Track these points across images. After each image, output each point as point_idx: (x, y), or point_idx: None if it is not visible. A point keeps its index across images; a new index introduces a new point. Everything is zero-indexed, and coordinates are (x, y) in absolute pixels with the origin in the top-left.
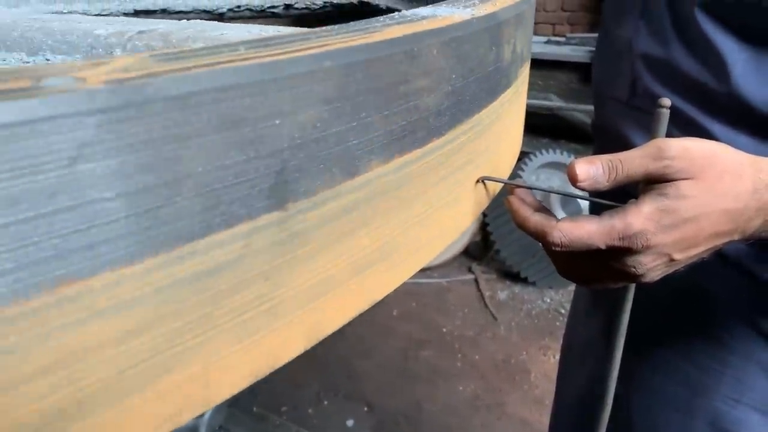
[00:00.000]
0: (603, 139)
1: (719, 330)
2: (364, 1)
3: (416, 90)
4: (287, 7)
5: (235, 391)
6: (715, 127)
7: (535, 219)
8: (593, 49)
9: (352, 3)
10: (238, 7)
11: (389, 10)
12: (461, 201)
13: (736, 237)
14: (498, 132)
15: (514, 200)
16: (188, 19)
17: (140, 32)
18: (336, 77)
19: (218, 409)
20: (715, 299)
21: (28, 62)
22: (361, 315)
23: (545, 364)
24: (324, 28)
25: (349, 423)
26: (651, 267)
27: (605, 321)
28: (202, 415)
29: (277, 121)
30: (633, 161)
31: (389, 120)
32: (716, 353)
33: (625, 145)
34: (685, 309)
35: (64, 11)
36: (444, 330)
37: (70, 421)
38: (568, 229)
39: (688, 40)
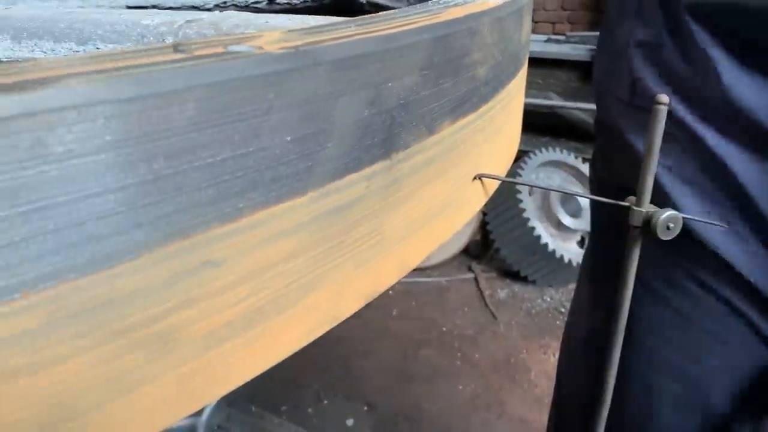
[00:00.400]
0: (604, 136)
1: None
2: None
3: (474, 62)
4: (270, 2)
5: (353, 311)
6: (708, 134)
7: None
8: (593, 47)
9: None
10: (224, 2)
11: (371, 5)
12: (493, 165)
13: None
14: (516, 108)
15: None
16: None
17: (188, 21)
18: (427, 49)
19: (217, 408)
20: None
21: (78, 51)
22: (360, 315)
23: (545, 363)
24: (390, 11)
25: (349, 422)
26: None
27: (607, 315)
28: (200, 415)
29: (390, 84)
30: None
31: (456, 87)
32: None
33: (625, 144)
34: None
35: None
36: (444, 329)
37: (250, 326)
38: None
39: (679, 43)
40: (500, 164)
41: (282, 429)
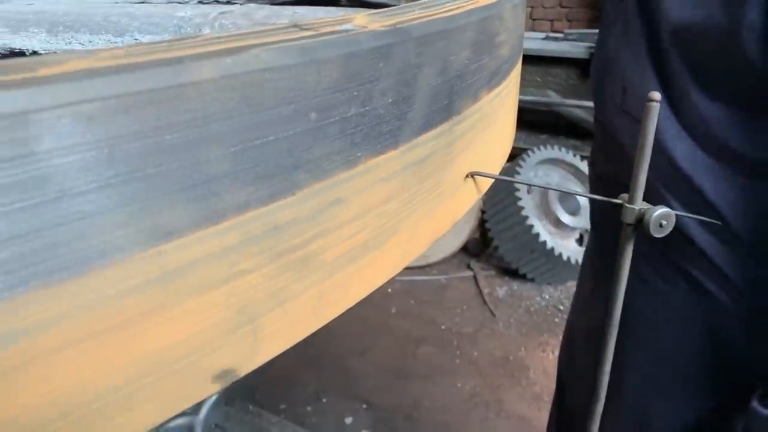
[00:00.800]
0: (601, 135)
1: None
2: None
3: (501, 42)
4: None
5: (423, 250)
6: (677, 152)
7: None
8: (591, 45)
9: None
10: None
11: None
12: (510, 135)
13: None
14: (516, 93)
15: None
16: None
17: (222, 13)
18: (474, 29)
19: (215, 407)
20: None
21: (116, 42)
22: (359, 313)
23: (544, 361)
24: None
25: (348, 420)
26: None
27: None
28: (198, 414)
29: (452, 57)
30: None
31: (491, 63)
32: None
33: (618, 145)
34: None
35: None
36: (442, 327)
37: (359, 257)
38: None
39: (658, 67)
40: (507, 144)
41: (280, 428)
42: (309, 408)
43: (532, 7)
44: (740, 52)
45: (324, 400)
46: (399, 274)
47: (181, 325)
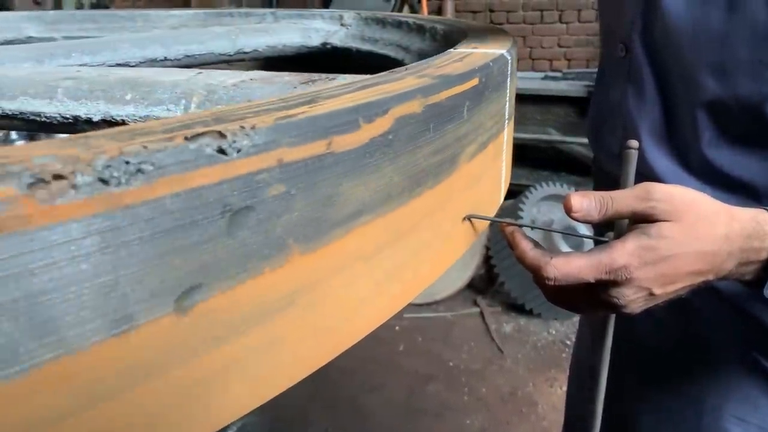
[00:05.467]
0: (601, 180)
1: (722, 365)
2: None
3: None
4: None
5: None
6: (690, 183)
7: (533, 254)
8: (590, 83)
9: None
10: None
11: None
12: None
13: (711, 277)
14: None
15: (516, 235)
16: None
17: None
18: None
19: None
20: (713, 339)
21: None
22: (368, 351)
23: (552, 396)
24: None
25: None
26: (632, 299)
27: (614, 348)
28: None
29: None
30: (622, 200)
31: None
32: (720, 377)
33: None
34: (688, 350)
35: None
36: (450, 364)
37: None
38: (560, 265)
39: (668, 106)
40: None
41: None
42: None
43: (531, 47)
44: (764, 117)
45: None
46: (406, 311)
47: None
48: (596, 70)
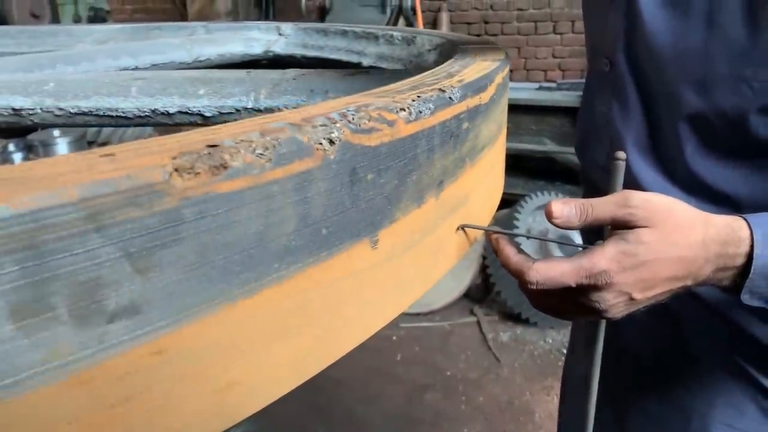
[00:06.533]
0: (589, 191)
1: (707, 371)
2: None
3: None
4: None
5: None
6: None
7: (516, 259)
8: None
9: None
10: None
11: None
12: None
13: (689, 282)
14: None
15: (500, 241)
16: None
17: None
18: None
19: None
20: (698, 344)
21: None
22: (366, 361)
23: (549, 405)
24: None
25: None
26: (613, 303)
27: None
28: None
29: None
30: (602, 206)
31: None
32: (706, 383)
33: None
34: (674, 356)
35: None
36: (448, 373)
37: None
38: (543, 269)
39: (653, 120)
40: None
41: None
42: None
43: (525, 59)
44: (748, 130)
45: None
46: (403, 321)
47: None
48: (583, 91)
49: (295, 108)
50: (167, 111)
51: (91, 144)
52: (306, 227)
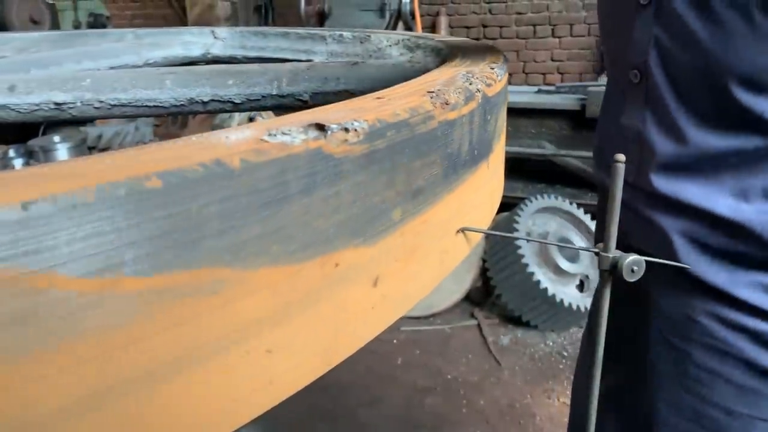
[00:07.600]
0: (604, 201)
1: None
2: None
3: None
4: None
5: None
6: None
7: None
8: (582, 97)
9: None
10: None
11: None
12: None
13: None
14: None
15: None
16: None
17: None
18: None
19: None
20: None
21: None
22: (367, 364)
23: (550, 408)
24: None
25: None
26: None
27: (629, 367)
28: None
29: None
30: None
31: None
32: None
33: (630, 218)
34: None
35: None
36: (448, 377)
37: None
38: None
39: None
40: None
41: None
42: None
43: (524, 62)
44: None
45: None
46: (403, 325)
47: None
48: (589, 83)
49: (314, 93)
50: (201, 100)
51: (91, 149)
52: (471, 148)
